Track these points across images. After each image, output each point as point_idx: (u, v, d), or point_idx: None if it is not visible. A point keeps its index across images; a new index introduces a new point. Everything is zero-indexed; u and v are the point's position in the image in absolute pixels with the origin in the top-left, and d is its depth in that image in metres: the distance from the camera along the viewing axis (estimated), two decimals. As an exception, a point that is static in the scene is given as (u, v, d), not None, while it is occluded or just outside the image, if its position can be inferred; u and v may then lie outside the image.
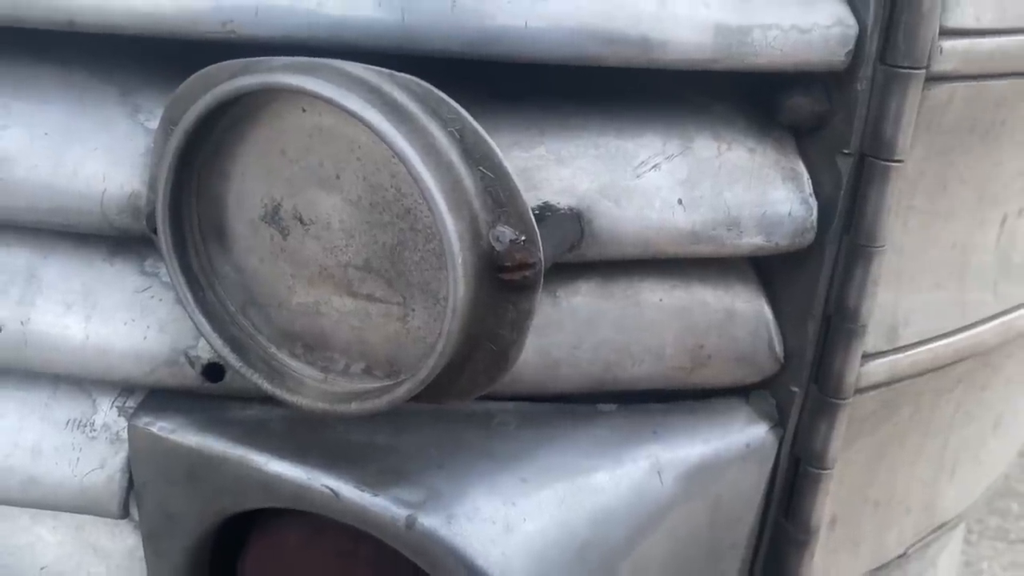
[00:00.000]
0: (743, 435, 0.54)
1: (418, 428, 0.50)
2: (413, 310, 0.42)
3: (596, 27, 0.42)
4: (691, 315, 0.52)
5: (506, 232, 0.39)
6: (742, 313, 0.53)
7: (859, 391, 0.54)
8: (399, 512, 0.45)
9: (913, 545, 0.68)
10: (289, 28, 0.42)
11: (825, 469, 0.55)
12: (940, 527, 0.71)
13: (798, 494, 0.56)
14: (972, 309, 0.59)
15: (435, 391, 0.42)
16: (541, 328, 0.50)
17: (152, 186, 0.46)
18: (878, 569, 0.67)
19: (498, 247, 0.39)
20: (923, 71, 0.46)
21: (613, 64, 0.43)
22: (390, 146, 0.37)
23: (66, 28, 0.43)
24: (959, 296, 0.58)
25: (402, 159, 0.37)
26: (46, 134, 0.47)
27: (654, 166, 0.48)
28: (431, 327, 0.42)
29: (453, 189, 0.38)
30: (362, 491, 0.46)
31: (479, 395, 0.44)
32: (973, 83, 0.49)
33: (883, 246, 0.49)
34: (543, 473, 0.49)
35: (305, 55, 0.41)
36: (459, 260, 0.38)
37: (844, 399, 0.53)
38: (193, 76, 0.42)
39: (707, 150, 0.49)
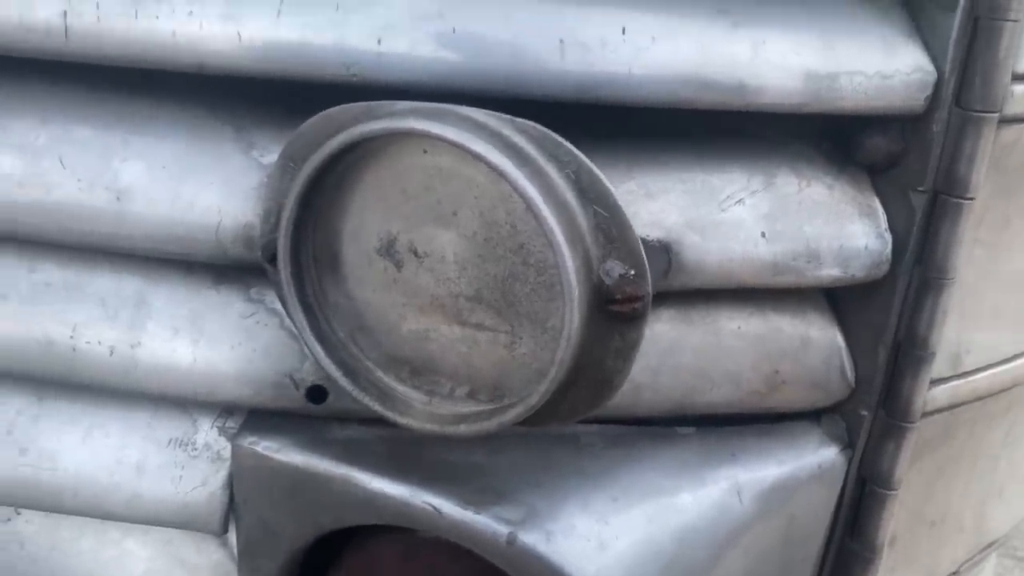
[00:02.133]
0: (816, 456, 0.56)
1: (511, 449, 0.52)
2: (521, 338, 0.45)
3: (694, 73, 0.45)
4: (767, 342, 0.55)
5: (616, 267, 0.42)
6: (816, 340, 0.55)
7: (924, 415, 0.57)
8: (500, 529, 0.47)
9: (964, 563, 0.70)
10: (408, 73, 0.44)
11: (891, 490, 0.57)
12: (989, 546, 0.73)
13: (864, 514, 0.58)
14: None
15: (541, 415, 0.44)
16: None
17: (266, 218, 0.48)
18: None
19: (607, 281, 0.42)
20: (997, 114, 0.49)
21: (709, 107, 0.46)
22: (513, 187, 0.40)
23: (195, 71, 0.46)
24: (1016, 325, 0.61)
25: (525, 199, 0.40)
26: (164, 168, 0.50)
27: (739, 201, 0.51)
28: (538, 354, 0.44)
29: (569, 226, 0.41)
30: (464, 508, 0.48)
31: (580, 419, 0.46)
32: (1036, 124, 0.52)
33: (953, 278, 0.52)
34: (631, 492, 0.51)
35: (419, 98, 0.44)
36: (575, 293, 0.40)
37: (912, 423, 0.55)
38: (315, 117, 0.45)
39: (788, 186, 0.51)
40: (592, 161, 0.47)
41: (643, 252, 0.41)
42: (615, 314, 0.42)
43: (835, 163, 0.52)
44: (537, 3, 0.45)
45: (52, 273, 0.54)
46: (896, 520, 0.62)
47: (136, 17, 0.45)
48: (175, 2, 0.45)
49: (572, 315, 0.41)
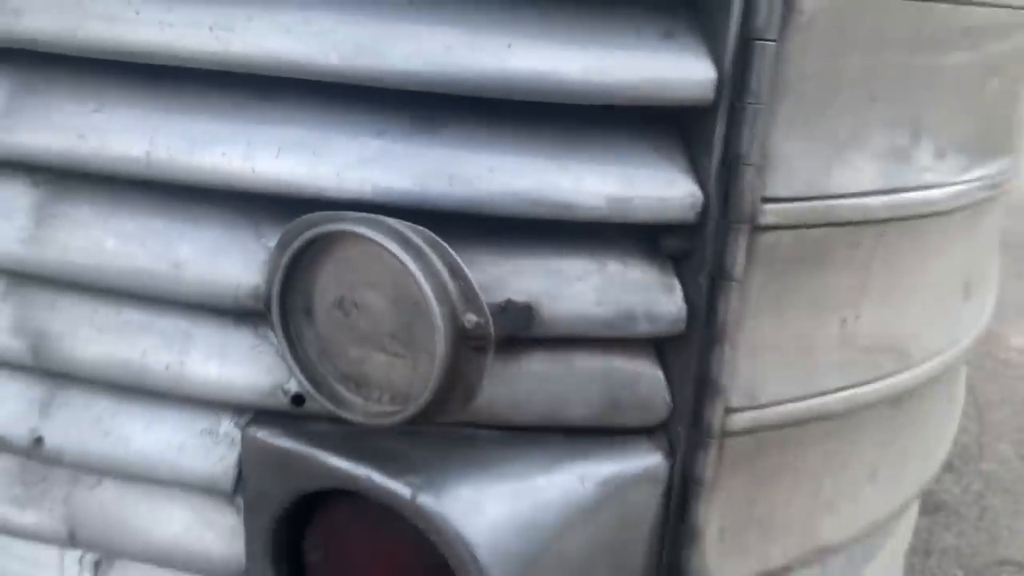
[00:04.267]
0: (645, 460, 0.79)
1: (425, 442, 0.77)
2: (418, 362, 0.70)
3: (537, 196, 0.71)
4: (609, 377, 0.78)
5: (471, 317, 0.67)
6: (644, 375, 0.79)
7: (728, 435, 0.80)
8: (406, 491, 0.72)
9: (795, 560, 0.91)
10: (356, 194, 0.71)
11: (704, 487, 0.80)
12: (823, 549, 0.94)
13: (687, 503, 0.81)
14: (819, 381, 0.84)
15: (428, 413, 0.69)
16: (509, 381, 0.77)
17: (268, 281, 0.75)
18: (773, 571, 0.90)
19: (467, 325, 0.67)
20: (749, 224, 0.73)
21: (547, 218, 0.71)
22: (407, 268, 0.65)
23: (226, 189, 0.73)
24: (806, 371, 0.83)
25: (413, 276, 0.65)
26: (205, 250, 0.77)
27: (580, 279, 0.75)
28: (428, 373, 0.69)
29: (442, 292, 0.66)
30: (387, 476, 0.72)
31: (457, 418, 0.71)
32: (793, 231, 0.76)
33: (732, 335, 0.75)
34: (505, 475, 0.75)
35: (363, 210, 0.70)
36: (443, 333, 0.66)
37: (712, 439, 0.78)
38: (297, 220, 0.71)
39: (615, 270, 0.76)
40: (478, 252, 0.73)
41: (487, 308, 0.66)
42: (472, 347, 0.67)
43: (647, 254, 0.76)
44: (436, 151, 0.71)
45: (132, 315, 0.81)
46: (724, 515, 0.84)
47: (191, 155, 0.73)
48: (215, 147, 0.73)
49: (442, 347, 0.66)
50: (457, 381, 0.69)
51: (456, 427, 0.78)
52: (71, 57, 0.75)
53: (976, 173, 0.89)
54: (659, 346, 0.80)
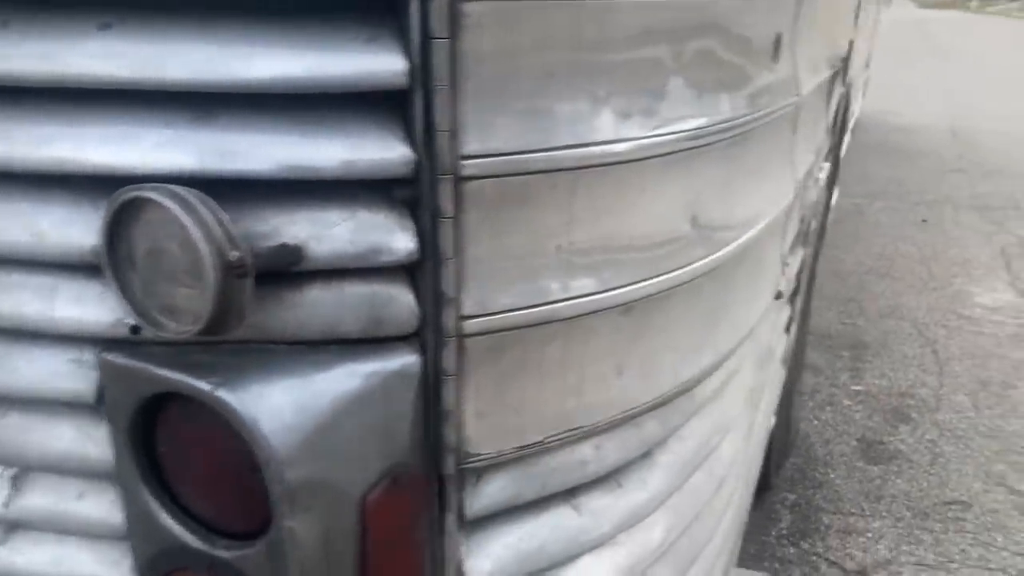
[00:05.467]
0: (402, 359, 1.04)
1: (230, 356, 1.02)
2: (204, 290, 0.95)
3: (287, 162, 0.96)
4: (372, 298, 1.04)
5: (235, 253, 0.92)
6: (398, 296, 1.04)
7: (465, 336, 1.05)
8: (208, 387, 0.97)
9: (551, 436, 1.17)
10: (153, 172, 0.96)
11: (450, 377, 1.05)
12: (576, 429, 1.19)
13: (439, 391, 1.06)
14: (543, 293, 1.09)
15: (214, 327, 0.95)
16: (294, 306, 1.02)
17: (101, 241, 1.00)
18: (530, 445, 1.16)
19: (232, 259, 0.92)
20: (453, 176, 0.98)
21: (300, 178, 0.96)
22: (182, 221, 0.91)
23: (66, 174, 0.99)
24: (530, 286, 1.08)
25: (186, 227, 0.91)
26: (59, 222, 1.02)
27: (337, 224, 1.01)
28: (209, 297, 0.95)
29: (209, 236, 0.92)
30: (194, 378, 0.98)
31: (238, 333, 0.96)
32: (494, 179, 1.01)
33: (451, 260, 1.01)
34: (288, 374, 1.01)
35: (161, 183, 0.95)
36: (212, 266, 0.91)
37: (451, 339, 1.04)
38: (114, 193, 0.97)
39: (364, 216, 1.01)
40: (257, 208, 0.99)
41: (245, 246, 0.92)
42: (236, 275, 0.93)
43: (387, 203, 1.01)
44: (212, 135, 0.96)
45: (13, 276, 1.07)
46: (481, 402, 1.09)
47: (39, 152, 0.98)
48: (54, 144, 0.98)
49: (212, 276, 0.91)
50: (230, 301, 0.94)
51: (255, 344, 1.03)
52: (-55, 84, 1.01)
53: (668, 128, 1.14)
54: (410, 272, 1.06)
